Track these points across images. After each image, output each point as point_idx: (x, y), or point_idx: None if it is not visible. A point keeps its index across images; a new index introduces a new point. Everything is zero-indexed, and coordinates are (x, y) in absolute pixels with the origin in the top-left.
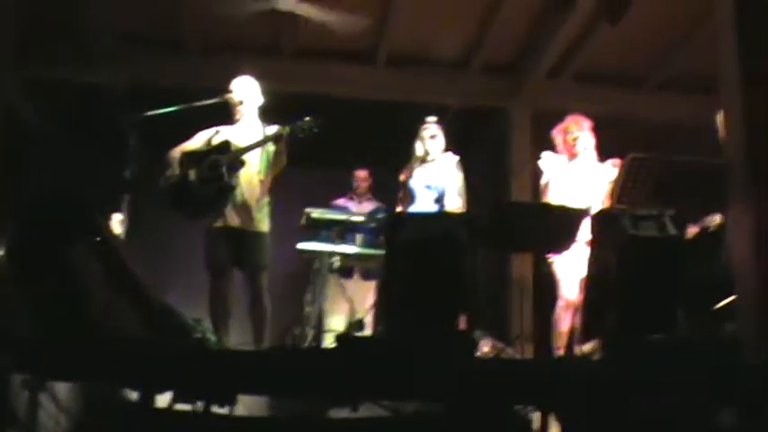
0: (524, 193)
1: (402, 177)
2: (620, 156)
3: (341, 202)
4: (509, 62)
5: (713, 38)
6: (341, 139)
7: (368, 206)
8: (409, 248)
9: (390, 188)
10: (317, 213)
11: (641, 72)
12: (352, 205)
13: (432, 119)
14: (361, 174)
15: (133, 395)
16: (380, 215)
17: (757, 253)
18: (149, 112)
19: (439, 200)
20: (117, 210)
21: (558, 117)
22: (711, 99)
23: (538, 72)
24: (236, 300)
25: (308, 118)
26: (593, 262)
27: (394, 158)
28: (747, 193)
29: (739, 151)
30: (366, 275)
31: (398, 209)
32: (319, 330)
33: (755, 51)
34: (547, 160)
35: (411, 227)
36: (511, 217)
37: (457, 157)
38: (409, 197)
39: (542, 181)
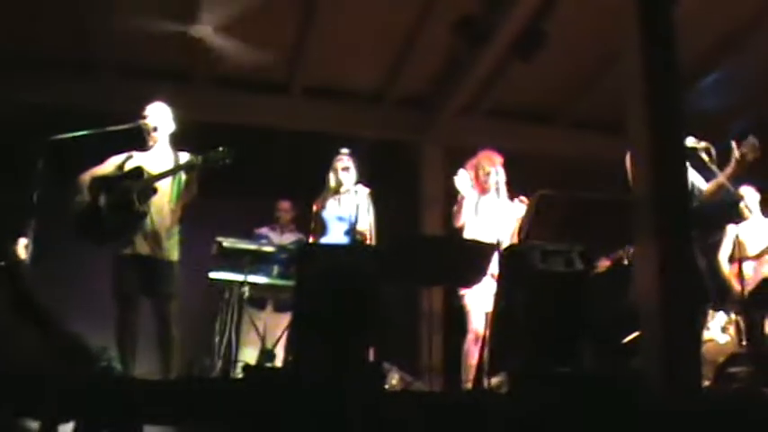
0: (436, 228)
1: (315, 208)
2: (531, 192)
3: (263, 231)
4: (423, 96)
5: (622, 79)
6: (261, 168)
7: (290, 237)
8: (319, 280)
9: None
10: (228, 243)
11: (553, 109)
12: (274, 235)
13: (345, 150)
14: (284, 205)
15: (35, 425)
16: (293, 246)
17: (661, 286)
18: (59, 136)
19: (350, 232)
20: (22, 234)
21: (471, 152)
22: (621, 137)
23: (451, 107)
24: (143, 328)
25: (221, 148)
26: (501, 296)
27: (319, 189)
28: (652, 228)
29: (645, 187)
30: (279, 307)
31: (311, 240)
32: (229, 361)
33: (660, 95)
34: (462, 178)
35: (321, 258)
36: (421, 250)
37: (368, 190)
38: (321, 228)
39: (459, 198)
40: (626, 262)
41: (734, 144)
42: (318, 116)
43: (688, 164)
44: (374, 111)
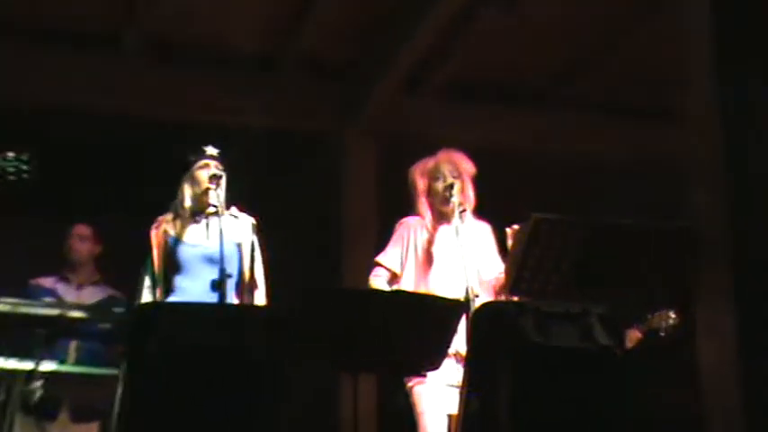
0: (365, 262)
1: (153, 240)
2: (517, 216)
3: (47, 282)
4: (342, 67)
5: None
6: (67, 175)
7: (93, 293)
8: (170, 366)
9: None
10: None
11: (543, 87)
12: (67, 290)
13: (212, 150)
14: (82, 231)
15: None
16: (118, 309)
17: (742, 374)
18: None
19: (222, 282)
20: None
21: (419, 150)
22: (642, 124)
23: (386, 82)
24: None
25: (11, 154)
26: (474, 389)
27: (153, 207)
28: (727, 279)
29: (716, 213)
30: (81, 414)
31: (148, 297)
32: None
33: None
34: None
35: (174, 329)
36: (343, 314)
37: (252, 220)
38: (167, 273)
39: (398, 225)
40: (662, 332)
41: None
42: (170, 90)
43: None
44: (265, 87)
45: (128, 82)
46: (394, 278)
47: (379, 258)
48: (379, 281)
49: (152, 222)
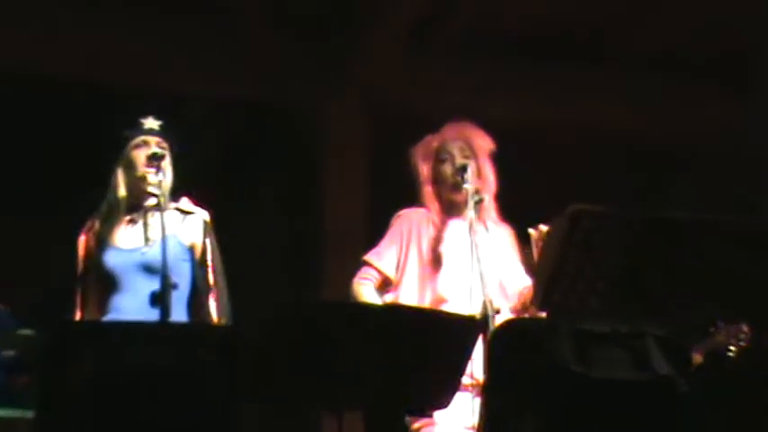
0: (352, 270)
1: (81, 247)
2: (550, 210)
3: None
4: (318, 18)
5: None
6: None
7: None
8: (96, 404)
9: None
10: None
11: (596, 38)
12: None
13: (152, 123)
14: None
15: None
16: (25, 332)
17: None
18: None
19: (165, 294)
20: None
21: (422, 125)
22: (722, 94)
23: (378, 36)
24: None
25: None
26: (494, 429)
27: (87, 204)
28: None
29: None
30: None
31: (77, 314)
32: None
33: None
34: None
35: (100, 355)
36: (325, 335)
37: (206, 215)
38: (99, 289)
39: (395, 218)
40: (731, 353)
41: None
42: (101, 48)
43: None
44: (221, 41)
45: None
46: (386, 284)
47: (369, 257)
48: (366, 287)
49: (81, 221)
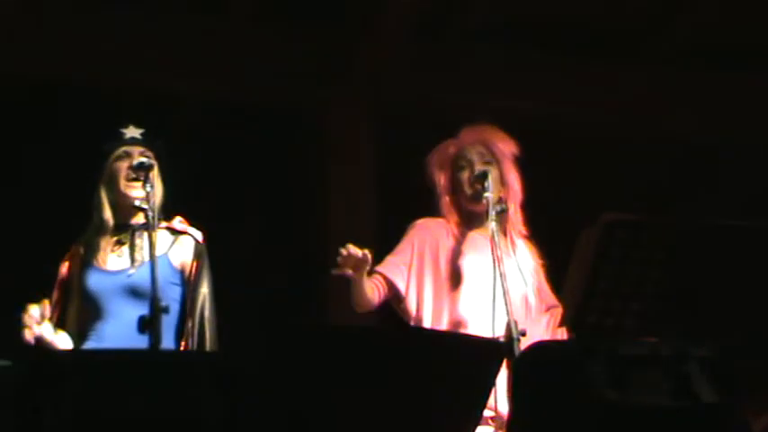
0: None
1: (62, 272)
2: (581, 219)
3: None
4: (319, 5)
5: None
6: None
7: None
8: None
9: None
10: None
11: (633, 32)
12: None
13: (134, 132)
14: None
15: None
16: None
17: None
18: None
19: (155, 319)
20: None
21: (437, 127)
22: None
23: (387, 24)
24: None
25: None
26: None
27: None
28: None
29: None
30: None
31: (48, 339)
32: None
33: None
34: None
35: (82, 388)
36: (326, 360)
37: (199, 234)
38: (78, 316)
39: (410, 228)
40: None
41: None
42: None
43: None
44: (210, 34)
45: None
46: (394, 297)
47: (380, 268)
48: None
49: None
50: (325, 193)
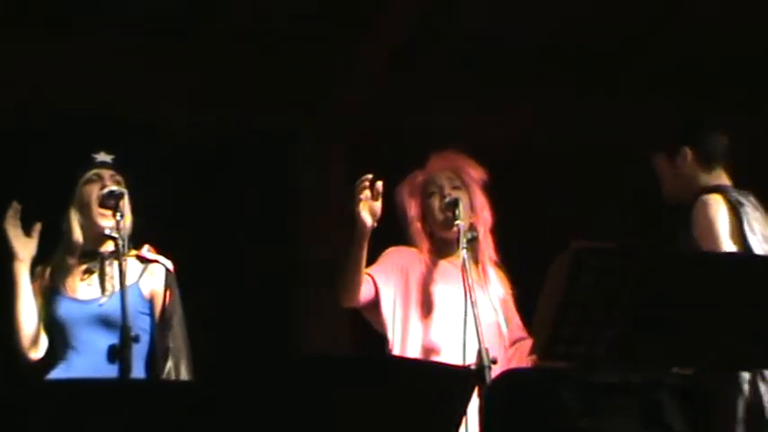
0: (334, 317)
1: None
2: (550, 248)
3: None
4: (295, 34)
5: None
6: None
7: None
8: None
9: None
10: None
11: (602, 57)
12: None
13: (105, 157)
14: None
15: None
16: None
17: None
18: None
19: (125, 348)
20: None
21: (411, 154)
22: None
23: (362, 54)
24: None
25: None
26: None
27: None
28: None
29: None
30: None
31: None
32: None
33: None
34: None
35: (49, 420)
36: (301, 390)
37: (169, 264)
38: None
39: (385, 254)
40: None
41: None
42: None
43: None
44: (186, 61)
45: None
46: (372, 307)
47: (370, 270)
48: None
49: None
50: (296, 221)
